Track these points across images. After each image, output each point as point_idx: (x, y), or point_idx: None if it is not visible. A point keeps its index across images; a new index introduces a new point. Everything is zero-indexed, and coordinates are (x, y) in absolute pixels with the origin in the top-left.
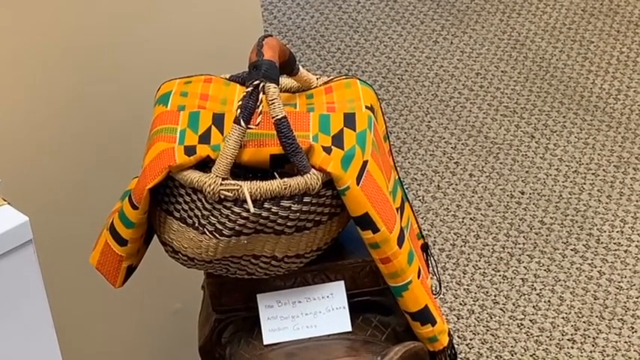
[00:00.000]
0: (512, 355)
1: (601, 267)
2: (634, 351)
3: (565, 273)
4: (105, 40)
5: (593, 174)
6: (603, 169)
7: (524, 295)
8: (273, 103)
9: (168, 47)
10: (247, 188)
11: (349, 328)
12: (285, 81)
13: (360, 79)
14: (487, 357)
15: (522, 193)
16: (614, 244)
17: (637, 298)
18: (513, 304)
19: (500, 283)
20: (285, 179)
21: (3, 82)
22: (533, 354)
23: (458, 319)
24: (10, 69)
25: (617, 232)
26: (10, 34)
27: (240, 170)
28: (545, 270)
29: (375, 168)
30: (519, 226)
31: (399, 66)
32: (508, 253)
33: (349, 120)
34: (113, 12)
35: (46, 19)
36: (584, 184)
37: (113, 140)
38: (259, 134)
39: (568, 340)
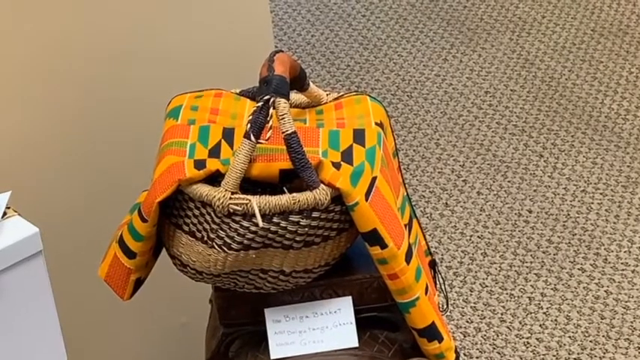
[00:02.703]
0: None
1: (608, 286)
2: None
3: (572, 292)
4: (117, 53)
5: (601, 193)
6: (611, 189)
7: (531, 313)
8: (283, 118)
9: (179, 61)
10: (256, 202)
11: (356, 344)
12: (296, 96)
13: (370, 96)
14: None
15: (530, 211)
16: (622, 263)
17: None
18: (520, 323)
19: (507, 301)
20: (294, 194)
21: (12, 94)
22: None
23: (464, 336)
24: (18, 80)
25: (625, 251)
26: (18, 45)
27: (250, 185)
28: (552, 289)
29: (383, 184)
30: (527, 244)
31: (409, 84)
32: (515, 272)
33: (359, 136)
34: (124, 26)
35: (55, 31)
36: (592, 203)
37: (123, 153)
38: (269, 149)
39: (574, 359)
